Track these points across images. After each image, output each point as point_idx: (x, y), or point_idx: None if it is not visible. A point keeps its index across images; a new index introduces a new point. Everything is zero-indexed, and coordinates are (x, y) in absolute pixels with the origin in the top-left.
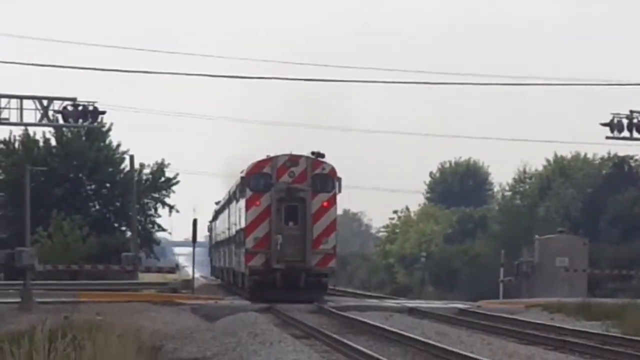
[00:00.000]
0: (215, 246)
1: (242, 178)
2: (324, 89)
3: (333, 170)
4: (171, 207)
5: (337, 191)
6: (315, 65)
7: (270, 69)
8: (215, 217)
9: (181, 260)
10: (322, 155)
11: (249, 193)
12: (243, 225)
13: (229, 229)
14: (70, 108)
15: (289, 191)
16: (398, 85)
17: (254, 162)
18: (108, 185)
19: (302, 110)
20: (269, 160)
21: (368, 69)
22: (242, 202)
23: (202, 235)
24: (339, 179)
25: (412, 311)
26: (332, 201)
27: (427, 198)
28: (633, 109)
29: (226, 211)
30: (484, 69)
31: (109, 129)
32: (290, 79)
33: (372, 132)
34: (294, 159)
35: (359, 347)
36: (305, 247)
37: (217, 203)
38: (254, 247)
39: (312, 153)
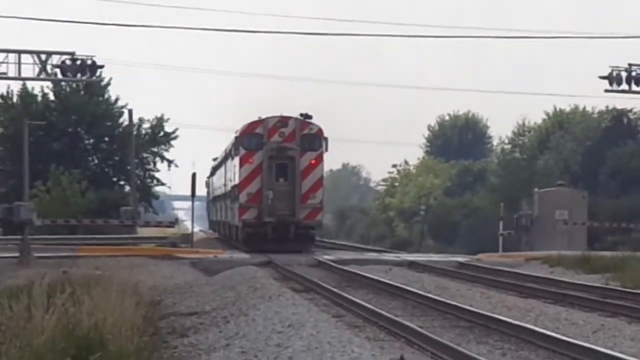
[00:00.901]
0: (212, 201)
1: (236, 138)
2: (324, 43)
3: (320, 130)
4: (170, 162)
5: (324, 150)
6: (314, 18)
7: (267, 24)
8: (212, 173)
9: (180, 215)
10: (310, 117)
11: (242, 151)
12: (237, 181)
13: (224, 184)
14: (68, 62)
15: (279, 150)
16: (397, 39)
17: (247, 123)
18: (107, 139)
19: (304, 65)
20: (261, 121)
21: (368, 22)
22: (236, 160)
23: (201, 189)
24: (326, 139)
25: (411, 265)
26: (320, 159)
27: (426, 151)
28: (632, 62)
29: (222, 168)
30: (481, 22)
31: (108, 83)
32: (285, 32)
33: (370, 85)
34: (283, 120)
35: (358, 300)
36: (295, 202)
37: (214, 160)
38: (247, 202)
39: (301, 114)
